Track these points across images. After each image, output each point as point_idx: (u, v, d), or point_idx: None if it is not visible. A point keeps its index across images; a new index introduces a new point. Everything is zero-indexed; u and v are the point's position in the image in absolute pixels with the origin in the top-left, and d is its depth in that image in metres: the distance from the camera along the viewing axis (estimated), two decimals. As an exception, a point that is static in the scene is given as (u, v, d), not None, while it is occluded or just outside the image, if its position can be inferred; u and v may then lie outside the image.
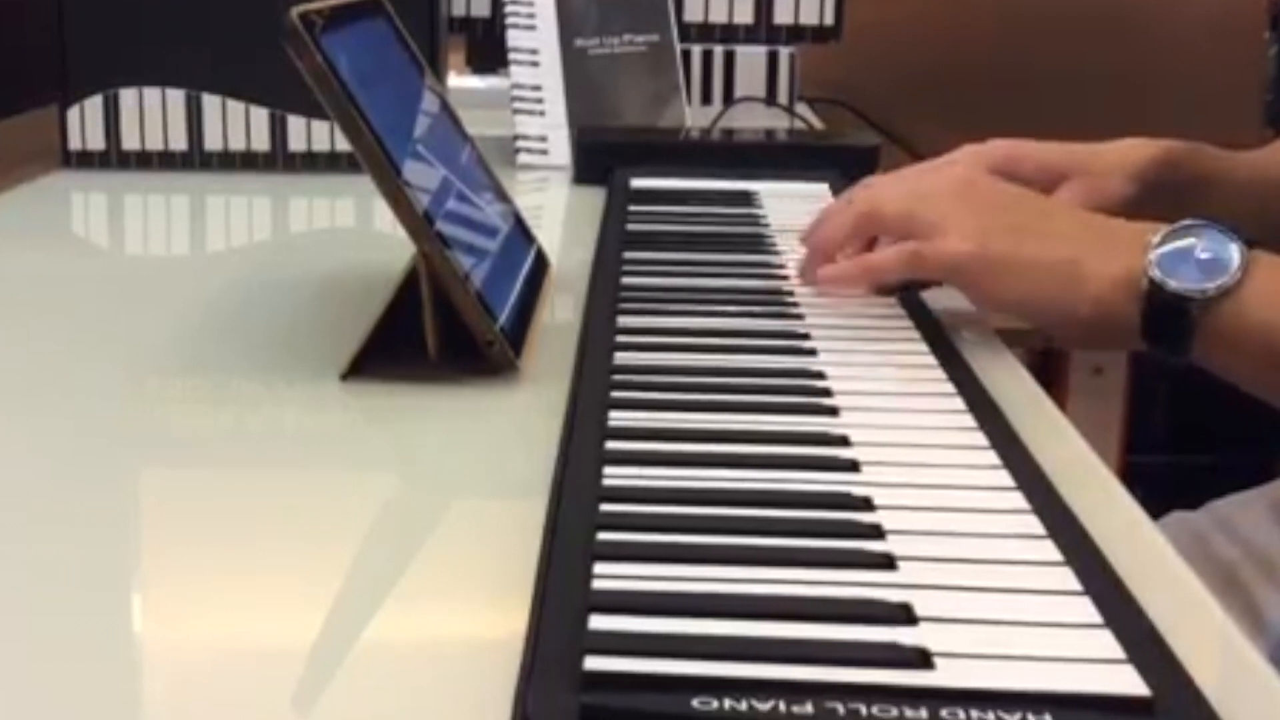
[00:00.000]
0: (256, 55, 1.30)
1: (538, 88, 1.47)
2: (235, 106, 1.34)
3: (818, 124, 1.78)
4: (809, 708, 0.45)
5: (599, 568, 0.53)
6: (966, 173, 0.93)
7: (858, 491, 0.61)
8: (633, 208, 1.16)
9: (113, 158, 1.35)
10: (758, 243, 1.06)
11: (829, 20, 1.83)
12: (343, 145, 1.31)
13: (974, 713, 0.45)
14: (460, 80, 1.84)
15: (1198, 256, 0.79)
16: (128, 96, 1.34)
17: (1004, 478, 0.64)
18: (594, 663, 0.47)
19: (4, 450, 0.71)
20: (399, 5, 0.92)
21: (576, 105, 1.47)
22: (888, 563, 0.55)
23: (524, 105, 1.46)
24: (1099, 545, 0.57)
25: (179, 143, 1.34)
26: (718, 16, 1.82)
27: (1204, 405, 2.05)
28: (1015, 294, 0.83)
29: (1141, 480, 0.88)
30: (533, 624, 0.50)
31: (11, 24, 1.56)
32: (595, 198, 1.23)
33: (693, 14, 1.81)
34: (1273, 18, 2.06)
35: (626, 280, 0.94)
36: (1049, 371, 1.98)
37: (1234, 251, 0.78)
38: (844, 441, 0.67)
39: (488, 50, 1.83)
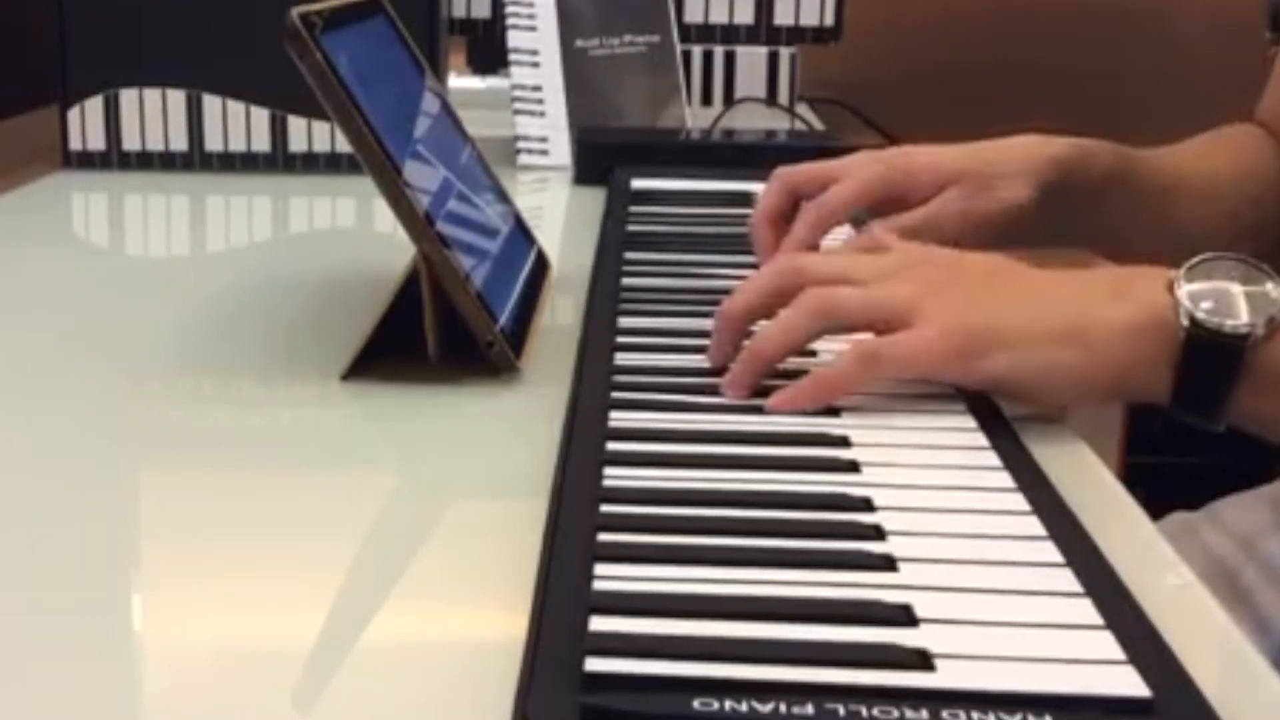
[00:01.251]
0: (257, 56, 1.29)
1: (538, 88, 1.47)
2: (236, 107, 1.34)
3: (818, 125, 1.78)
4: (809, 709, 0.45)
5: (599, 569, 0.53)
6: (912, 246, 0.80)
7: (858, 493, 0.61)
8: (633, 208, 1.16)
9: (113, 158, 1.35)
10: (758, 243, 1.05)
11: (829, 21, 1.83)
12: (343, 146, 1.31)
13: (975, 714, 0.45)
14: (461, 81, 1.84)
15: (1233, 291, 0.70)
16: (128, 97, 1.34)
17: (1005, 479, 0.64)
18: (594, 664, 0.47)
19: (4, 449, 0.71)
20: (399, 6, 0.92)
21: (577, 106, 1.47)
22: (888, 564, 0.55)
23: (524, 106, 1.46)
24: (1100, 547, 0.57)
25: (179, 143, 1.34)
26: (718, 17, 1.82)
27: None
28: (1002, 369, 0.71)
29: (1142, 481, 0.87)
30: (533, 625, 0.50)
31: (12, 24, 1.56)
32: (595, 198, 1.23)
33: (693, 15, 1.81)
34: (1272, 15, 2.06)
35: (627, 281, 0.94)
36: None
37: (1272, 286, 0.70)
38: (844, 442, 0.67)
39: (488, 51, 1.83)
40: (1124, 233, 1.01)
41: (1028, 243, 0.95)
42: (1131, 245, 1.00)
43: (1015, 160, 0.96)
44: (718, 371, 0.76)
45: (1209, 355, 0.69)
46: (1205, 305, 0.69)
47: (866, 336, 0.73)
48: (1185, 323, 0.69)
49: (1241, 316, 0.69)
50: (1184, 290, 0.70)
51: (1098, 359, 0.71)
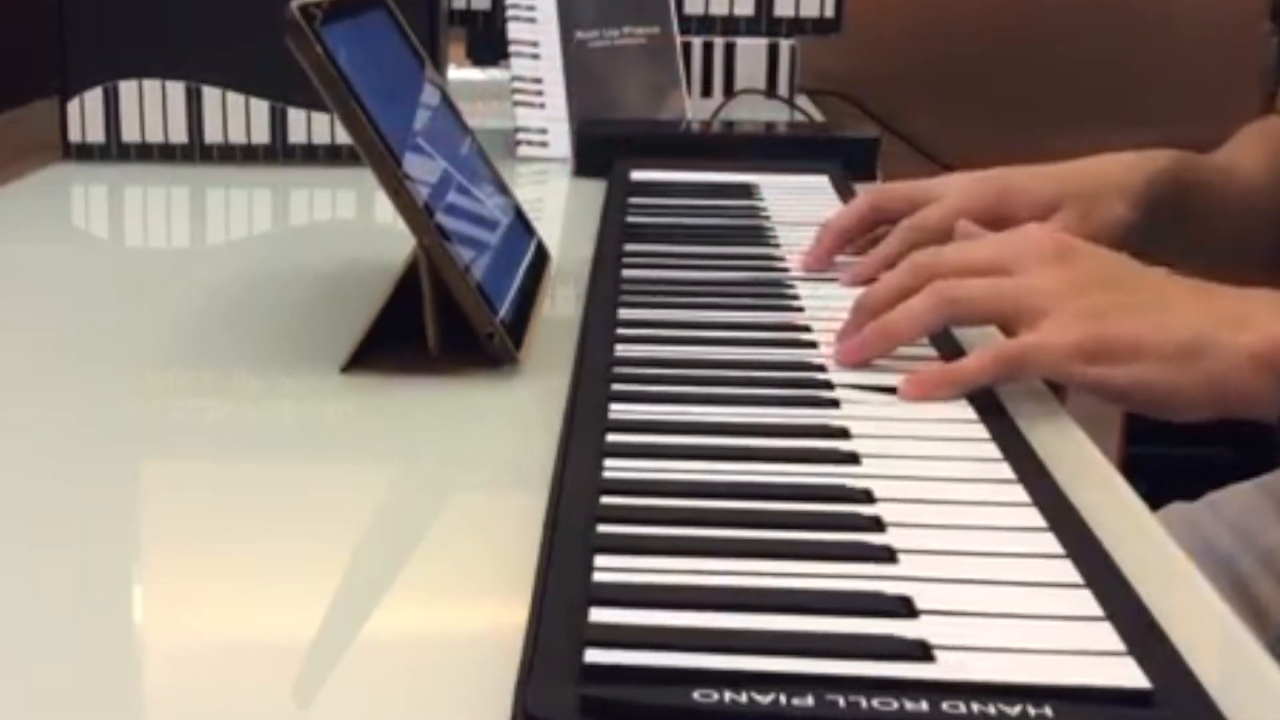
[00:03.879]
0: (257, 48, 1.29)
1: (538, 80, 1.47)
2: (235, 99, 1.34)
3: (818, 116, 1.78)
4: (809, 700, 0.45)
5: (599, 560, 0.53)
6: (1056, 237, 0.79)
7: (858, 484, 0.61)
8: (633, 200, 1.15)
9: (113, 150, 1.34)
10: (758, 235, 1.06)
11: (829, 13, 1.83)
12: (343, 138, 1.31)
13: (974, 706, 0.45)
14: (460, 72, 1.84)
15: None
16: (128, 89, 1.33)
17: (1004, 470, 0.64)
18: (594, 655, 0.47)
19: (4, 442, 0.71)
20: (399, -3, 0.92)
21: (577, 98, 1.47)
22: (888, 555, 0.55)
23: (524, 97, 1.46)
24: (1099, 538, 0.57)
25: (179, 135, 1.34)
26: (718, 9, 1.82)
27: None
28: (1130, 382, 0.72)
29: (1142, 472, 0.87)
30: (533, 616, 0.50)
31: (12, 16, 1.56)
32: (595, 190, 1.23)
33: (693, 6, 1.80)
34: (1272, 8, 2.06)
35: (627, 273, 0.94)
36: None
37: None
38: (844, 434, 0.67)
39: (488, 42, 1.82)
40: (1204, 241, 1.02)
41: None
42: (1206, 252, 1.01)
43: (1114, 179, 0.96)
44: (718, 364, 0.76)
45: None
46: None
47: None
48: None
49: None
50: None
51: (1217, 382, 0.71)
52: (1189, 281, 0.76)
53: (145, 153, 1.35)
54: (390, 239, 0.90)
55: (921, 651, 0.48)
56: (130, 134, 1.34)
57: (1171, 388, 0.71)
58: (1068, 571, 0.54)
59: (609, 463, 0.63)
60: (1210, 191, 1.02)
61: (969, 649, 0.48)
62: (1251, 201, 1.04)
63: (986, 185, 0.96)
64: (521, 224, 0.97)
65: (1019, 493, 0.61)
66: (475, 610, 0.56)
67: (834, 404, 0.71)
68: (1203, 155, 1.03)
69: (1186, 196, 1.00)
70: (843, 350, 0.76)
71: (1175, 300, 0.74)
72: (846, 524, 0.58)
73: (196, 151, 1.35)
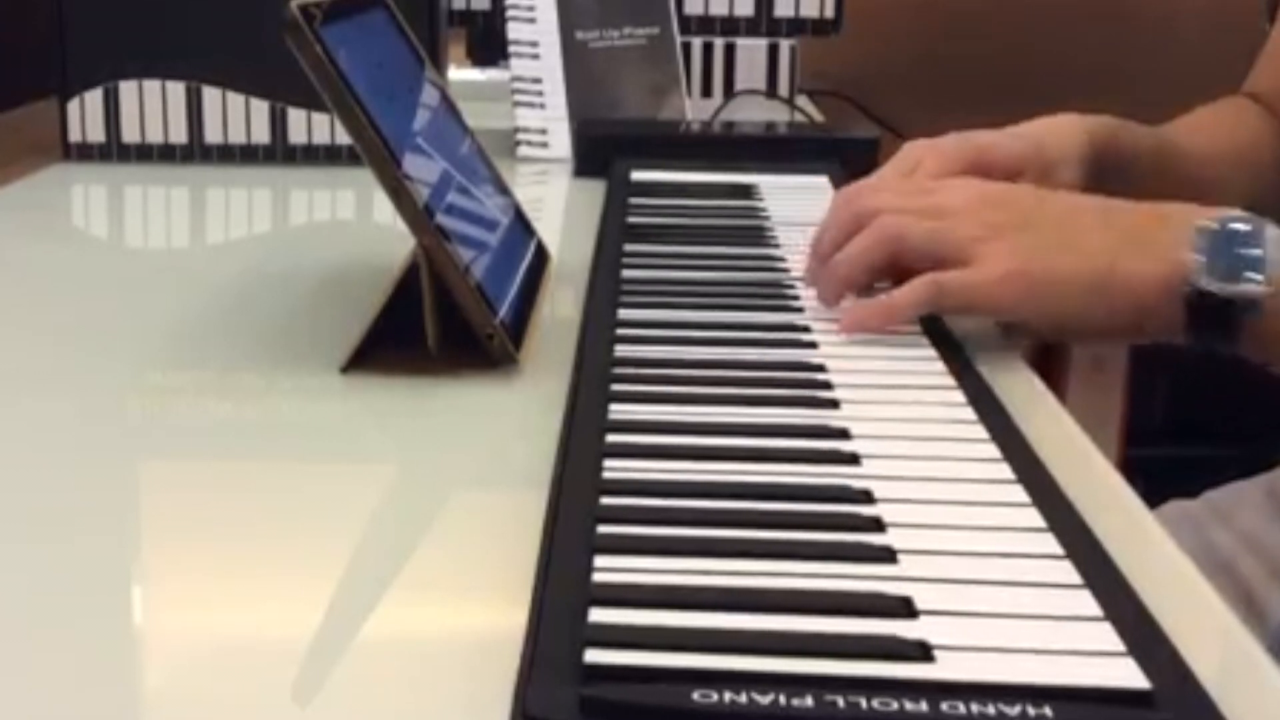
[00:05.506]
0: (257, 48, 1.29)
1: (538, 80, 1.47)
2: (235, 99, 1.34)
3: (818, 117, 1.78)
4: (809, 701, 0.45)
5: (599, 560, 0.53)
6: (980, 185, 0.87)
7: (858, 484, 0.61)
8: (633, 200, 1.15)
9: (113, 150, 1.34)
10: (758, 236, 1.06)
11: (829, 13, 1.83)
12: (343, 138, 1.31)
13: (974, 706, 0.45)
14: (460, 72, 1.84)
15: (1239, 252, 0.76)
16: (128, 89, 1.34)
17: (1004, 471, 0.64)
18: (594, 655, 0.47)
19: (4, 441, 0.71)
20: (399, -3, 0.92)
21: (577, 98, 1.47)
22: (888, 556, 0.55)
23: (524, 98, 1.46)
24: (1099, 538, 0.57)
25: (179, 135, 1.34)
26: (718, 9, 1.82)
27: (1203, 397, 2.05)
28: (1052, 313, 0.79)
29: (1141, 472, 0.87)
30: (533, 617, 0.50)
31: (12, 16, 1.56)
32: (595, 190, 1.23)
33: (693, 7, 1.80)
34: (1270, 8, 2.06)
35: (627, 273, 0.94)
36: (1048, 363, 1.98)
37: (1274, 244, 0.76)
38: (844, 434, 0.67)
39: (488, 42, 1.83)
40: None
41: None
42: None
43: (1064, 143, 0.99)
44: (718, 364, 0.76)
45: (1208, 315, 0.76)
46: (1210, 265, 0.76)
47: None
48: (1187, 289, 0.76)
49: (1237, 281, 0.75)
50: (1195, 252, 0.76)
51: (1130, 310, 0.78)
52: (1095, 203, 0.84)
53: (145, 153, 1.35)
54: (390, 239, 0.90)
55: (921, 652, 0.48)
56: (130, 134, 1.34)
57: (1089, 317, 0.79)
58: (1067, 572, 0.54)
59: (609, 463, 0.63)
60: (1148, 162, 1.04)
61: (969, 649, 0.48)
62: (1193, 179, 1.06)
63: (970, 141, 0.97)
64: (521, 224, 0.96)
65: (1018, 493, 0.61)
66: (475, 610, 0.56)
67: (834, 404, 0.71)
68: (1153, 127, 1.05)
69: (1128, 161, 1.02)
70: (821, 297, 0.85)
71: (1086, 229, 0.81)
72: (846, 524, 0.58)
73: (196, 152, 1.35)
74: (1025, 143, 0.98)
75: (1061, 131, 1.00)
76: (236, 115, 1.34)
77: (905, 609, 0.50)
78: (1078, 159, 0.98)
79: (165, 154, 1.35)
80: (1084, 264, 0.79)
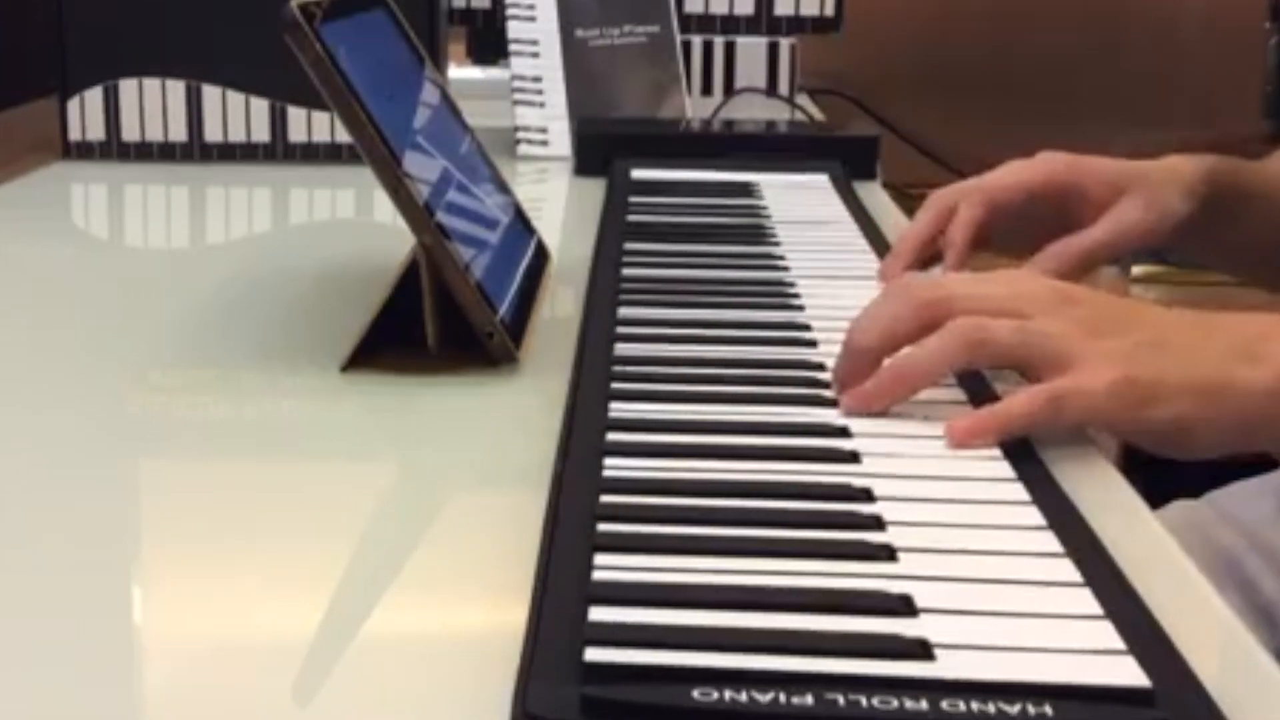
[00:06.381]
0: (257, 46, 1.29)
1: (538, 79, 1.47)
2: (235, 98, 1.34)
3: (818, 115, 1.78)
4: (809, 699, 0.45)
5: (599, 559, 0.53)
6: (1054, 282, 0.76)
7: (858, 483, 0.61)
8: (633, 199, 1.15)
9: (113, 149, 1.34)
10: (758, 234, 1.06)
11: (829, 11, 1.83)
12: (343, 136, 1.31)
13: (974, 704, 0.45)
14: (460, 71, 1.84)
15: None
16: (128, 87, 1.33)
17: (1004, 469, 0.64)
18: (594, 654, 0.47)
19: (4, 440, 0.71)
20: (399, -4, 0.92)
21: (577, 96, 1.47)
22: (888, 554, 0.55)
23: (524, 96, 1.46)
24: (1099, 536, 0.57)
25: (179, 134, 1.34)
26: (718, 8, 1.82)
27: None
28: (1163, 423, 0.69)
29: (1141, 471, 0.87)
30: (533, 615, 0.50)
31: (12, 15, 1.56)
32: (595, 189, 1.23)
33: (693, 5, 1.80)
34: (1272, 8, 2.06)
35: (627, 271, 0.94)
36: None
37: None
38: (844, 433, 0.67)
39: (488, 41, 1.82)
40: (1253, 248, 1.02)
41: (1179, 259, 0.94)
42: (1252, 261, 1.02)
43: (1178, 171, 0.96)
44: (718, 363, 0.76)
45: None
46: None
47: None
48: None
49: None
50: None
51: (1236, 418, 0.70)
52: (1190, 314, 0.76)
53: (145, 151, 1.34)
54: (390, 238, 0.90)
55: (921, 650, 0.48)
56: (130, 133, 1.34)
57: (1204, 427, 0.70)
58: (1068, 570, 0.54)
59: (609, 461, 0.63)
60: (1266, 201, 1.01)
61: (969, 647, 0.48)
62: None
63: (1054, 160, 0.96)
64: (521, 223, 0.96)
65: (1019, 492, 0.61)
66: (475, 609, 0.56)
67: (834, 403, 0.71)
68: (1261, 164, 1.03)
69: (1241, 202, 0.99)
70: (855, 398, 0.71)
71: (1186, 336, 0.73)
72: (847, 522, 0.58)
73: (196, 150, 1.34)
74: (1120, 167, 0.95)
75: (1172, 162, 0.97)
76: (236, 114, 1.34)
77: (905, 607, 0.50)
78: (1188, 188, 0.95)
79: (165, 152, 1.35)
80: (1199, 368, 0.70)
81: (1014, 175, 0.96)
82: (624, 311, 0.85)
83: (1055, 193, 0.95)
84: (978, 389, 0.73)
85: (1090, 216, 0.95)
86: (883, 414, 0.70)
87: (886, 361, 0.71)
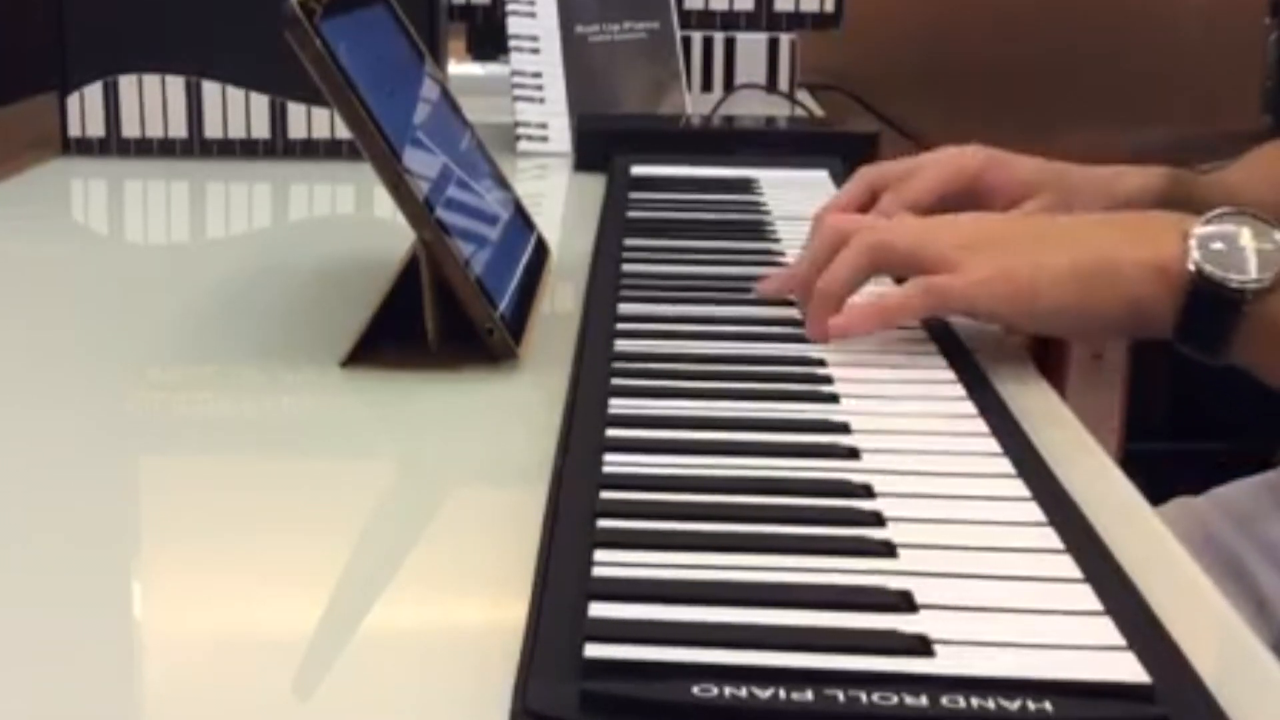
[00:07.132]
0: (257, 42, 1.29)
1: (538, 74, 1.47)
2: (235, 94, 1.34)
3: (818, 111, 1.78)
4: (809, 695, 0.45)
5: (599, 555, 0.53)
6: (972, 214, 0.86)
7: (858, 479, 0.61)
8: (633, 195, 1.15)
9: (113, 145, 1.34)
10: (758, 230, 1.06)
11: (829, 7, 1.83)
12: (343, 132, 1.31)
13: (974, 700, 0.45)
14: (461, 67, 1.84)
15: (1243, 246, 0.73)
16: (128, 83, 1.33)
17: (1004, 465, 0.64)
18: (594, 650, 0.47)
19: (3, 438, 0.71)
20: (399, -8, 0.92)
21: (577, 92, 1.47)
22: (888, 550, 0.55)
23: (524, 92, 1.46)
24: (1099, 532, 0.57)
25: (179, 130, 1.34)
26: (718, 4, 1.82)
27: (1204, 392, 2.05)
28: (1049, 308, 0.76)
29: (1141, 467, 0.87)
30: (533, 611, 0.50)
31: (12, 11, 1.56)
32: (595, 185, 1.23)
33: (693, 1, 1.80)
34: (1272, 3, 2.06)
35: (627, 267, 0.94)
36: (1048, 358, 1.98)
37: None
38: (844, 429, 0.67)
39: (488, 37, 1.82)
40: None
41: None
42: None
43: (1099, 182, 0.96)
44: (718, 359, 0.76)
45: (1210, 303, 0.73)
46: (1215, 246, 0.73)
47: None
48: (1192, 269, 0.73)
49: (1249, 272, 0.72)
50: (1196, 241, 0.74)
51: (1131, 301, 0.75)
52: (1088, 216, 0.83)
53: (145, 148, 1.34)
54: (390, 234, 0.90)
55: (921, 646, 0.48)
56: (130, 129, 1.34)
57: (1088, 308, 0.75)
58: (1068, 566, 0.54)
59: (609, 457, 0.63)
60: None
61: (969, 644, 0.48)
62: None
63: (972, 156, 0.98)
64: (521, 219, 0.96)
65: (1019, 487, 0.61)
66: (475, 605, 0.56)
67: (834, 399, 0.71)
68: (1204, 175, 1.02)
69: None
70: (811, 332, 0.80)
71: (1075, 233, 0.78)
72: (846, 519, 0.58)
73: (196, 146, 1.34)
74: (1038, 166, 0.96)
75: (1099, 170, 0.97)
76: (236, 110, 1.34)
77: (905, 603, 0.50)
78: (1109, 200, 0.95)
79: (165, 149, 1.34)
80: (1077, 255, 0.76)
81: (931, 172, 0.98)
82: (624, 307, 0.85)
83: (965, 190, 0.96)
84: (979, 386, 0.73)
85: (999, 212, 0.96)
86: (882, 411, 0.70)
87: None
